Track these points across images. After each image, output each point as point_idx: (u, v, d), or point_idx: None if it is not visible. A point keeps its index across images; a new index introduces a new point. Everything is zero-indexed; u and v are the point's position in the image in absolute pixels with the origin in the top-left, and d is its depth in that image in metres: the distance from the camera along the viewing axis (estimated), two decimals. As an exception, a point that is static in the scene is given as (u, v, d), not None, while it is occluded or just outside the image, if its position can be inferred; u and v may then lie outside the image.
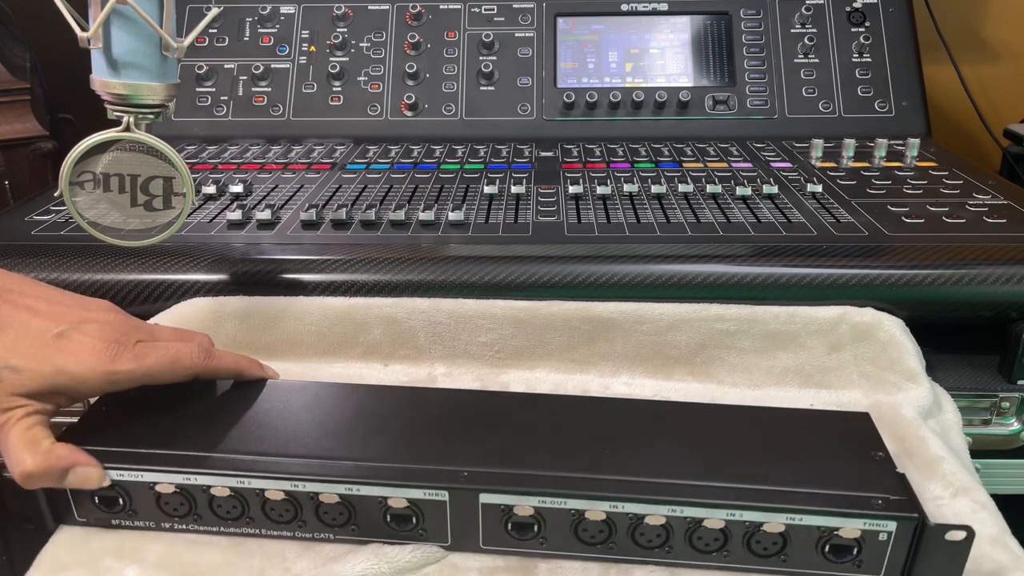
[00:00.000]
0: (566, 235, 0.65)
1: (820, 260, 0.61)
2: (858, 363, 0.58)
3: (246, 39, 0.97)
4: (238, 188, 0.75)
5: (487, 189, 0.74)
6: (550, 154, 0.87)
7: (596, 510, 0.42)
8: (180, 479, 0.44)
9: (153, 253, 0.61)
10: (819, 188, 0.74)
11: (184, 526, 0.46)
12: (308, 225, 0.67)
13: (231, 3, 0.98)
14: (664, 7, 0.97)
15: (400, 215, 0.68)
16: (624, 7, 0.97)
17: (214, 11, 0.58)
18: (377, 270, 0.61)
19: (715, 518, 0.41)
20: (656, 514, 0.41)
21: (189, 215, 0.69)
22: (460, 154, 0.87)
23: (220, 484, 0.44)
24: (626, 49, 0.96)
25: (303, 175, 0.81)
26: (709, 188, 0.74)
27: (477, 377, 0.60)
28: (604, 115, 0.94)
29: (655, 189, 0.74)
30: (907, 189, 0.75)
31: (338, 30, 0.97)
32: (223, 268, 0.61)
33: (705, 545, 0.42)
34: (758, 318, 0.58)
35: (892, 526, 0.40)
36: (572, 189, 0.74)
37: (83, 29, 0.49)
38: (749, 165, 0.82)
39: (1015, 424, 0.62)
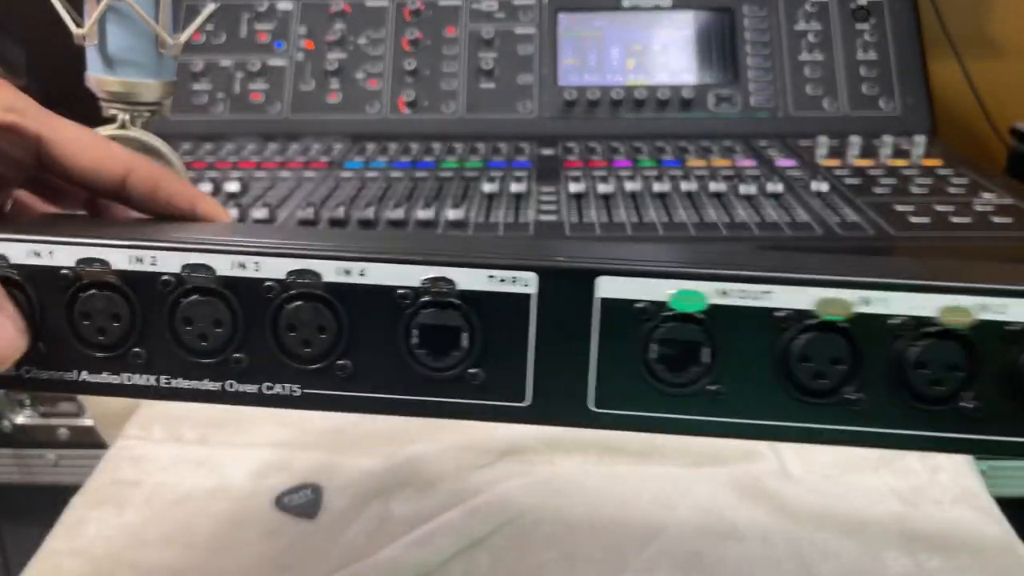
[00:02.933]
0: (567, 235, 0.64)
1: (826, 260, 0.60)
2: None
3: (243, 36, 0.96)
4: (234, 186, 0.74)
5: (487, 188, 0.74)
6: (551, 152, 0.86)
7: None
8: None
9: (149, 253, 0.60)
10: (824, 187, 0.73)
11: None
12: (306, 224, 0.67)
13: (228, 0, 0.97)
14: (667, 3, 0.96)
15: (399, 214, 0.67)
16: (626, 3, 0.96)
17: (211, 7, 0.57)
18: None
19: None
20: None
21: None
22: (459, 152, 0.86)
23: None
24: (628, 45, 0.95)
25: (300, 173, 0.80)
26: (712, 186, 0.73)
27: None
28: (606, 113, 0.93)
29: (658, 188, 0.73)
30: (913, 188, 0.74)
31: (336, 27, 0.96)
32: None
33: None
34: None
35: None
36: (573, 188, 0.73)
37: (78, 26, 0.48)
38: (753, 163, 0.82)
39: (1022, 426, 0.62)
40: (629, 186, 0.73)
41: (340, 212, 0.67)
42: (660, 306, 0.26)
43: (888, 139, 0.83)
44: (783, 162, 0.82)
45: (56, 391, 0.29)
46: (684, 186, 0.73)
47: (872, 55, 0.93)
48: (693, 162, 0.82)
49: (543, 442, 0.54)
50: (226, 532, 0.48)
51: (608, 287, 0.26)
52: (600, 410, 0.27)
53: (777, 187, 0.72)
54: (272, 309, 0.27)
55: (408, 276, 0.27)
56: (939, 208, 0.69)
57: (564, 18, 0.96)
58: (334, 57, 0.95)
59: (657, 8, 0.96)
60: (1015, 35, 1.04)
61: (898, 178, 0.77)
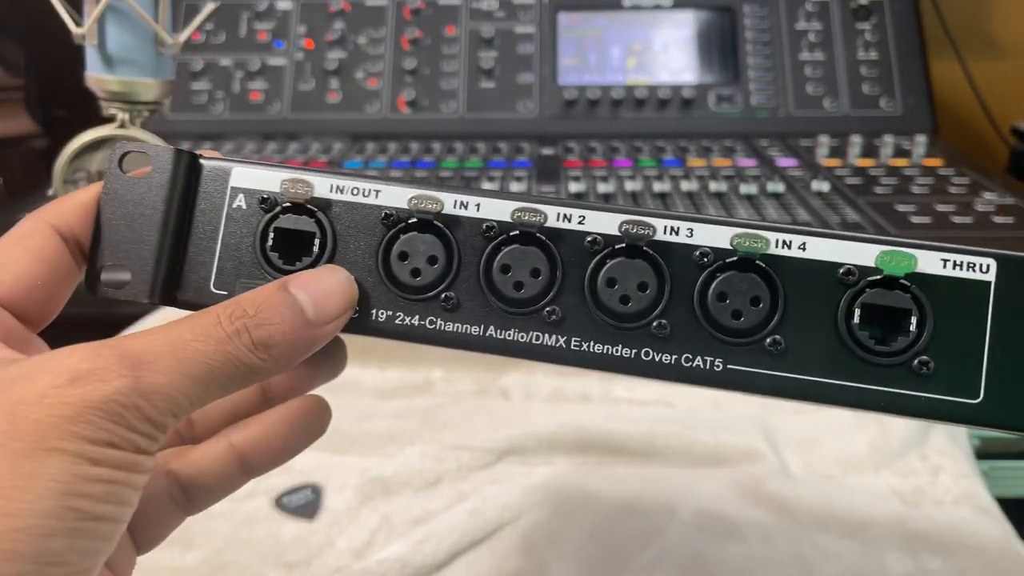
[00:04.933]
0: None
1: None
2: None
3: (242, 35, 0.96)
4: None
5: (486, 188, 0.73)
6: (551, 152, 0.86)
7: None
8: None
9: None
10: (825, 186, 0.73)
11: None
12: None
13: (228, -2, 0.97)
14: (668, 2, 0.96)
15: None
16: (626, 2, 0.96)
17: (210, 6, 0.57)
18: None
19: None
20: None
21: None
22: (459, 152, 0.86)
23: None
24: (629, 45, 0.95)
25: (301, 173, 0.80)
26: (713, 186, 0.73)
27: (475, 381, 0.59)
28: (606, 112, 0.93)
29: (658, 187, 0.73)
30: (914, 187, 0.74)
31: (336, 26, 0.96)
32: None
33: None
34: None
35: None
36: (573, 188, 0.73)
37: (78, 25, 0.48)
38: (754, 163, 0.82)
39: None
40: (629, 186, 0.73)
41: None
42: None
43: (889, 139, 0.83)
44: (784, 162, 0.82)
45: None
46: (684, 186, 0.73)
47: (873, 54, 0.93)
48: (694, 162, 0.82)
49: (543, 442, 0.53)
50: (226, 532, 0.47)
51: None
52: None
53: (778, 187, 0.72)
54: (705, 275, 0.25)
55: (857, 254, 0.25)
56: (940, 208, 0.69)
57: (564, 17, 0.96)
58: (334, 56, 0.95)
59: (658, 7, 0.95)
60: (1016, 35, 1.04)
61: (899, 178, 0.77)
